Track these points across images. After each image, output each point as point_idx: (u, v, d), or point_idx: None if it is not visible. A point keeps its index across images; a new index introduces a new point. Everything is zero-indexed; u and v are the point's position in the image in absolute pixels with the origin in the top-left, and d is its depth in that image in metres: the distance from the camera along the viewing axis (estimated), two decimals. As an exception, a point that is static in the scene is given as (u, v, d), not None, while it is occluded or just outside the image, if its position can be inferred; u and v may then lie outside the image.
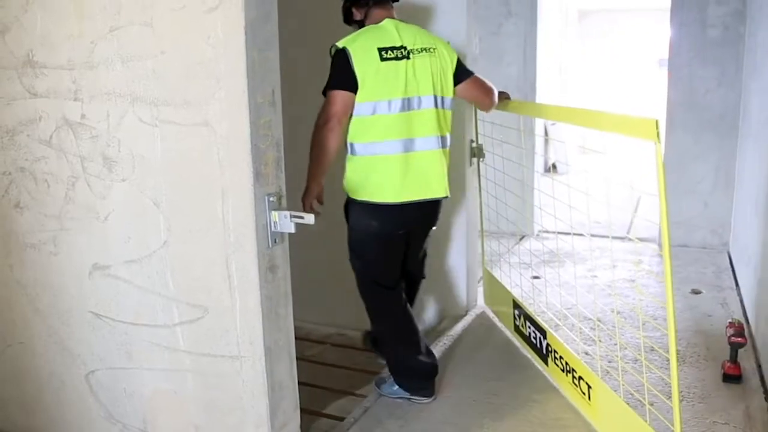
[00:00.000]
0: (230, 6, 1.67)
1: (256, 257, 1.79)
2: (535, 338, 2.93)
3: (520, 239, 4.98)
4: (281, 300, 1.92)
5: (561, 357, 2.69)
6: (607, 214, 2.42)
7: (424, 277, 2.90)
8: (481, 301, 3.77)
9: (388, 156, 2.45)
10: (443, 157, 2.58)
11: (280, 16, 1.84)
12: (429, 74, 2.48)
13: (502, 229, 3.98)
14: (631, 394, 2.45)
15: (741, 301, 3.75)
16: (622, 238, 5.00)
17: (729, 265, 4.45)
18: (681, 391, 2.67)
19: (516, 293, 3.28)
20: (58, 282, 2.12)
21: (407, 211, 2.51)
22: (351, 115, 2.41)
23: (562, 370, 2.67)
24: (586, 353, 2.95)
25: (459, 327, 3.44)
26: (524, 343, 3.11)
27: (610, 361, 2.92)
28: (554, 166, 7.40)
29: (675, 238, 4.63)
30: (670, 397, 2.02)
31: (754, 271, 3.36)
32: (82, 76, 1.91)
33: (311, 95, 2.47)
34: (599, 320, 3.39)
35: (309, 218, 1.81)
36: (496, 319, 3.52)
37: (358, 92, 2.37)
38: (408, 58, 2.43)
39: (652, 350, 2.92)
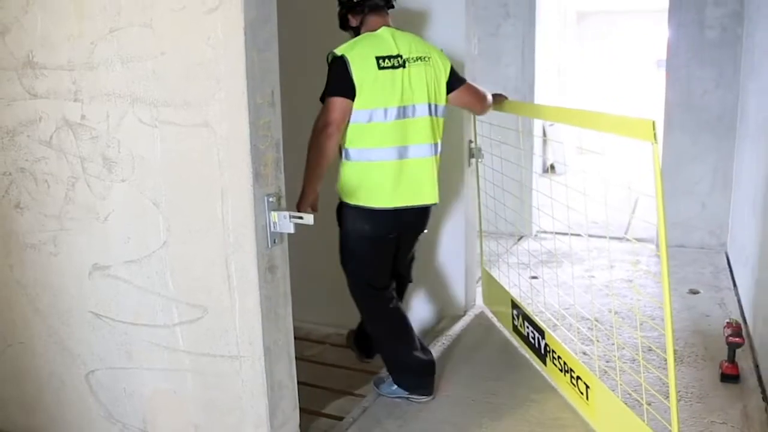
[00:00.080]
0: (230, 7, 1.68)
1: (255, 257, 1.80)
2: (534, 338, 2.94)
3: (519, 239, 4.99)
4: (280, 300, 1.93)
5: (559, 357, 2.70)
6: (605, 214, 2.43)
7: (411, 281, 2.94)
8: (479, 301, 3.78)
9: (383, 162, 2.48)
10: (435, 163, 2.62)
11: (279, 17, 1.84)
12: (424, 83, 2.51)
13: (501, 230, 3.99)
14: (629, 394, 2.46)
15: (738, 301, 3.76)
16: (619, 239, 5.00)
17: (726, 266, 4.46)
18: (679, 391, 2.67)
19: (514, 293, 3.29)
20: (58, 282, 2.12)
21: (400, 216, 2.54)
22: (348, 122, 2.43)
23: (561, 370, 2.68)
24: (584, 353, 2.96)
25: (458, 327, 3.45)
26: (522, 343, 3.12)
27: (608, 361, 2.92)
28: (552, 167, 7.41)
29: (672, 239, 4.63)
30: (667, 396, 2.02)
31: (752, 272, 3.37)
32: (82, 76, 1.92)
33: (311, 96, 2.48)
34: (597, 320, 3.39)
35: (308, 219, 1.82)
36: (494, 319, 3.53)
37: (356, 99, 2.39)
38: (404, 66, 2.46)
39: (650, 350, 2.93)
